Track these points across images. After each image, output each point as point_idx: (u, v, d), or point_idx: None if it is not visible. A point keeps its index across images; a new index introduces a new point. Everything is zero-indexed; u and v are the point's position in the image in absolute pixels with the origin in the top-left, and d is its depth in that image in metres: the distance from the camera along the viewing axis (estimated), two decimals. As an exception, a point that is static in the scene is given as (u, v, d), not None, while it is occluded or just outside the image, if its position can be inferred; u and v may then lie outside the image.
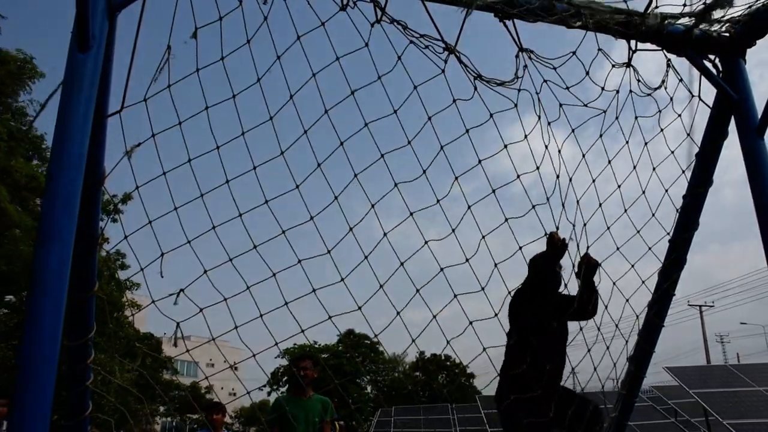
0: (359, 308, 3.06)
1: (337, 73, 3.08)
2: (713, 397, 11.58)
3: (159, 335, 34.13)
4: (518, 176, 3.44)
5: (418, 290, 3.00)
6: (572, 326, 4.38)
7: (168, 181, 2.92)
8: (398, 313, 2.99)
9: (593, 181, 3.59)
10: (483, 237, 3.04)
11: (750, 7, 3.45)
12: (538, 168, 3.49)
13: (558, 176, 3.64)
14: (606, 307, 4.05)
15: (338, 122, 3.10)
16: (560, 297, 4.48)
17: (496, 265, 3.16)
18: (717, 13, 3.46)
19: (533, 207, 3.40)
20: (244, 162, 3.01)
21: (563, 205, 3.74)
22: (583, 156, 3.74)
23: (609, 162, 3.76)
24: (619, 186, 3.72)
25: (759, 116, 3.55)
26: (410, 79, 3.05)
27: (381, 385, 51.59)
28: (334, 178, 3.08)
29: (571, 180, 3.65)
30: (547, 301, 4.38)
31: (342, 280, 2.98)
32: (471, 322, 3.18)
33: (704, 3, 3.36)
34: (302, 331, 3.00)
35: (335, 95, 3.08)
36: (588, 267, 4.24)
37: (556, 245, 4.08)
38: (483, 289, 3.07)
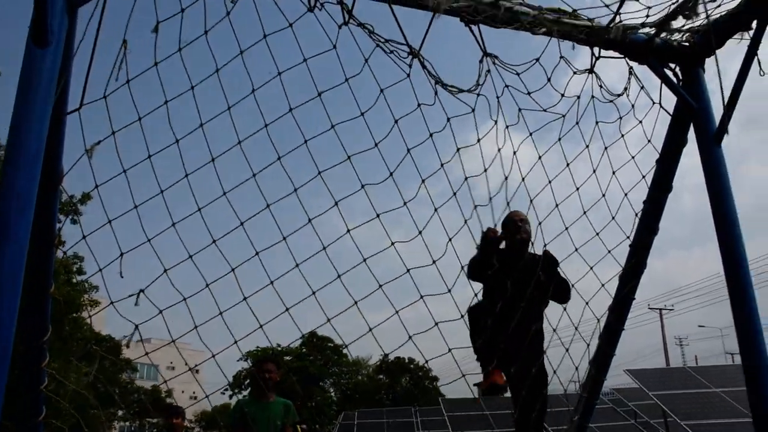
0: (329, 320, 3.06)
1: (312, 72, 3.07)
2: (672, 398, 11.82)
3: (119, 338, 33.50)
4: (477, 175, 3.47)
5: (380, 286, 3.00)
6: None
7: (129, 179, 2.87)
8: (393, 314, 2.98)
9: (549, 182, 3.64)
10: (449, 239, 3.05)
11: (708, 17, 3.54)
12: (485, 170, 3.53)
13: (523, 179, 3.68)
14: (565, 309, 4.11)
15: (305, 121, 3.08)
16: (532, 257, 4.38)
17: (462, 267, 3.17)
18: (677, 23, 3.53)
19: (475, 207, 3.44)
20: (204, 158, 2.96)
21: (508, 203, 3.80)
22: (540, 158, 3.79)
23: (567, 165, 3.81)
24: (577, 189, 3.78)
25: (717, 124, 3.64)
26: (377, 83, 3.04)
27: (344, 387, 51.42)
28: (299, 178, 3.05)
29: (522, 179, 3.70)
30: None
31: (313, 293, 2.96)
32: (437, 323, 3.20)
33: (666, 13, 3.41)
34: (261, 326, 2.96)
35: (304, 95, 3.06)
36: (547, 262, 4.23)
37: (484, 238, 4.09)
38: (450, 290, 3.08)
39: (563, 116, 3.81)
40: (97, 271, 2.85)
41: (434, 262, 2.97)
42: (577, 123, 3.82)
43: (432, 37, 3.15)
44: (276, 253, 3.06)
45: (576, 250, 3.86)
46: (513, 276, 3.96)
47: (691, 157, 3.79)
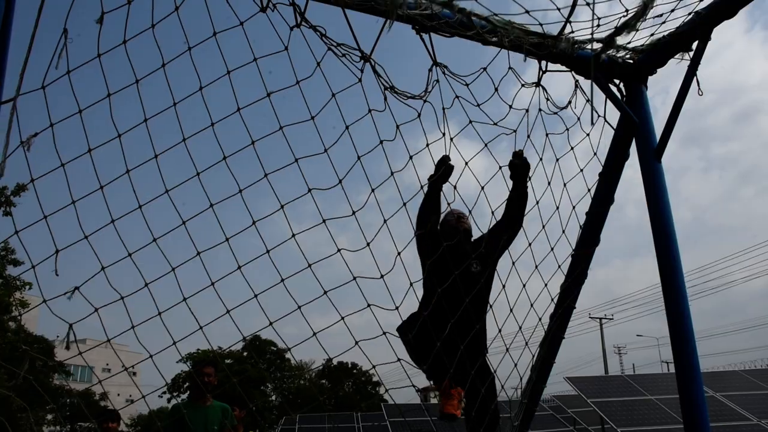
0: (271, 324, 3.00)
1: (265, 73, 3.03)
2: (610, 406, 12.14)
3: (52, 338, 32.32)
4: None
5: (325, 292, 2.96)
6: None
7: (67, 173, 2.76)
8: (345, 321, 2.94)
9: (482, 188, 3.67)
10: (398, 253, 3.04)
11: (652, 35, 3.65)
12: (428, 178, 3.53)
13: (482, 188, 3.71)
14: (494, 321, 4.13)
15: (254, 122, 3.03)
16: (475, 242, 4.34)
17: (411, 284, 3.17)
18: (622, 40, 3.63)
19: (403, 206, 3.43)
20: (147, 153, 2.88)
21: (470, 212, 3.84)
22: (500, 168, 3.83)
23: (500, 167, 3.86)
24: (537, 202, 3.81)
25: (658, 140, 3.75)
26: (329, 87, 3.02)
27: (286, 392, 50.90)
28: (246, 177, 3.00)
29: (482, 188, 3.74)
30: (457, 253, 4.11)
31: (255, 296, 2.90)
32: (384, 332, 3.18)
33: (611, 31, 3.50)
34: (200, 327, 2.89)
35: (256, 94, 3.02)
36: (519, 166, 4.15)
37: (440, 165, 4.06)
38: (397, 308, 3.07)
39: (514, 131, 3.87)
40: (29, 268, 2.73)
41: (382, 276, 2.96)
42: (528, 137, 3.89)
43: (386, 44, 3.16)
44: (219, 254, 3.00)
45: (513, 264, 3.90)
46: (458, 262, 3.89)
47: (636, 170, 3.89)
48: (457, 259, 3.97)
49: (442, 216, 4.30)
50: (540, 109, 3.85)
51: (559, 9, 3.16)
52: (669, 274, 3.62)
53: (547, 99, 3.83)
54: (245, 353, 46.71)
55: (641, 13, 3.26)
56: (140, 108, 2.81)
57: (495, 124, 3.71)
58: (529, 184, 4.08)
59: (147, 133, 2.84)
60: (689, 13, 3.44)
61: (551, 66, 3.72)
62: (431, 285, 3.90)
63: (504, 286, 3.77)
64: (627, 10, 3.28)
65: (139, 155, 2.87)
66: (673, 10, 3.37)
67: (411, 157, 3.36)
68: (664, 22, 3.48)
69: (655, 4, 3.23)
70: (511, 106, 3.80)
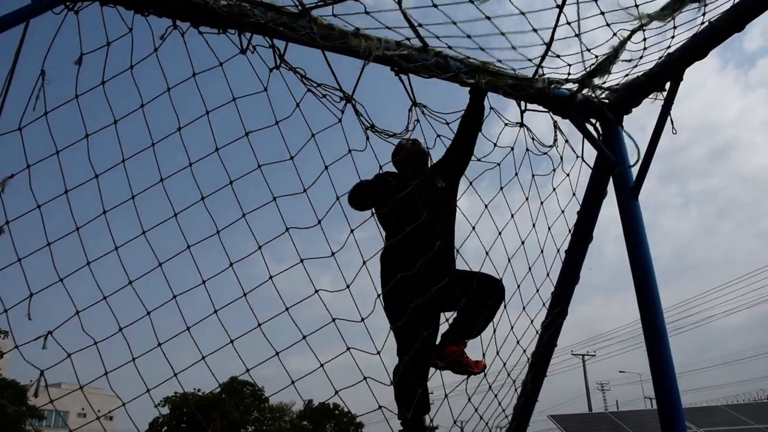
0: (248, 371, 2.97)
1: (245, 113, 3.04)
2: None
3: (26, 382, 31.50)
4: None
5: (304, 337, 2.91)
6: (455, 378, 3.96)
7: (43, 214, 2.72)
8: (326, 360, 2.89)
9: (473, 228, 3.65)
10: (378, 295, 3.03)
11: (627, 75, 3.73)
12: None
13: (473, 228, 3.71)
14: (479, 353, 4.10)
15: (233, 161, 3.02)
16: (437, 162, 4.19)
17: (391, 328, 3.13)
18: (597, 80, 3.70)
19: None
20: (124, 191, 2.86)
21: (458, 251, 3.81)
22: (487, 207, 3.83)
23: (485, 206, 3.84)
24: (522, 243, 3.79)
25: (634, 179, 3.80)
26: (308, 127, 3.03)
27: (266, 435, 49.88)
28: (224, 217, 2.98)
29: (473, 228, 3.74)
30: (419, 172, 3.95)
31: (231, 341, 2.85)
32: (365, 378, 3.09)
33: (586, 71, 3.58)
34: (175, 374, 2.82)
35: (235, 134, 3.02)
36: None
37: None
38: (379, 353, 3.03)
39: (498, 164, 3.88)
40: (2, 312, 2.67)
41: (363, 319, 2.93)
42: (516, 174, 3.89)
43: (368, 80, 3.19)
44: (197, 294, 2.96)
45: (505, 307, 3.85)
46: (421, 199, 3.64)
47: (615, 207, 3.90)
48: (420, 189, 3.70)
49: (397, 146, 4.07)
50: (527, 150, 3.89)
51: (531, 59, 3.19)
52: (648, 312, 3.63)
53: (533, 139, 3.88)
54: (223, 395, 45.84)
55: (612, 57, 3.34)
56: (118, 148, 2.80)
57: (479, 159, 3.75)
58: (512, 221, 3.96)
59: (125, 173, 2.81)
60: (660, 57, 3.52)
61: (530, 106, 3.78)
62: (397, 218, 3.65)
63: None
64: (597, 56, 3.34)
65: (116, 196, 2.84)
66: (641, 57, 3.45)
67: (395, 200, 3.37)
68: (636, 66, 3.56)
69: (626, 49, 3.30)
70: (495, 144, 3.84)
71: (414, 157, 4.06)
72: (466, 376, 3.71)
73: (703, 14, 3.13)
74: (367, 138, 3.26)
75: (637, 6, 2.88)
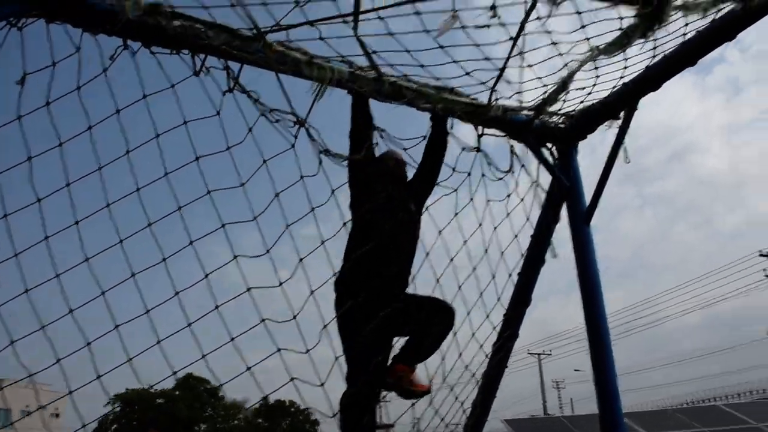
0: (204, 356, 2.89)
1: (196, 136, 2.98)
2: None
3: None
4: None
5: (249, 368, 2.87)
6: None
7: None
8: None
9: (426, 254, 3.65)
10: (325, 326, 3.00)
11: (582, 102, 3.77)
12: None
13: (427, 254, 3.70)
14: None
15: (182, 185, 2.96)
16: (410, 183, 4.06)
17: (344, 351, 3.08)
18: (554, 107, 3.73)
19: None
20: (68, 216, 2.77)
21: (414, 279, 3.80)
22: (440, 232, 3.83)
23: (439, 231, 3.85)
24: (474, 269, 3.80)
25: (587, 204, 3.85)
26: (260, 153, 2.98)
27: (220, 432, 49.32)
28: (171, 244, 2.91)
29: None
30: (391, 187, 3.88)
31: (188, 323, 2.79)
32: (322, 383, 3.10)
33: (541, 99, 3.60)
34: (129, 359, 2.74)
35: (187, 158, 2.96)
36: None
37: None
38: (322, 384, 3.00)
39: (455, 190, 3.88)
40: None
41: (308, 351, 2.92)
42: (471, 200, 3.90)
43: (325, 103, 3.15)
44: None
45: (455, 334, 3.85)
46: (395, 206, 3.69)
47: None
48: (391, 205, 3.74)
49: (383, 153, 3.96)
50: (483, 175, 3.89)
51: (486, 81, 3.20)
52: (595, 330, 3.74)
53: (489, 164, 3.89)
54: (177, 392, 45.16)
55: (561, 88, 3.37)
56: (63, 171, 2.70)
57: (437, 184, 3.74)
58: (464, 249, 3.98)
59: (69, 197, 2.72)
60: (614, 87, 3.56)
61: (488, 130, 3.79)
62: (365, 225, 3.66)
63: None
64: (546, 86, 3.37)
65: (61, 219, 2.75)
66: (594, 85, 3.49)
67: (344, 224, 3.35)
68: (590, 93, 3.60)
69: (575, 80, 3.33)
70: (454, 169, 3.84)
71: (393, 178, 3.96)
72: (412, 401, 3.68)
73: (654, 48, 3.17)
74: (320, 162, 3.22)
75: (588, 39, 2.91)
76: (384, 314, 3.40)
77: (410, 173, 4.00)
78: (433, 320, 3.67)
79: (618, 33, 2.77)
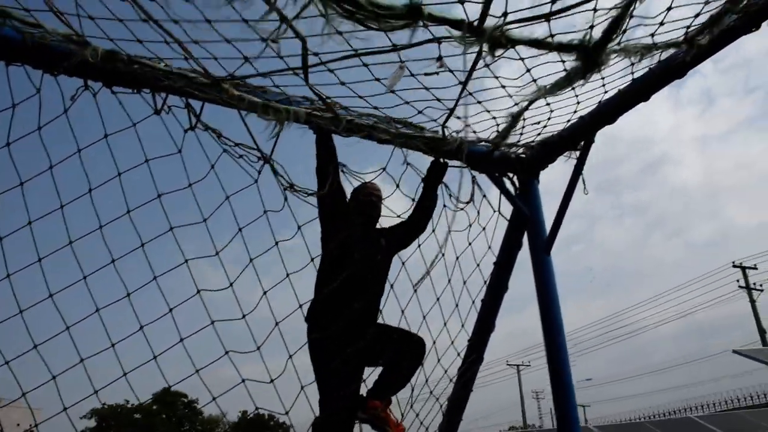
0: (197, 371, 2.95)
1: (161, 170, 3.03)
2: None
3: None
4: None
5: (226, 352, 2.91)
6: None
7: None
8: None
9: (391, 286, 3.71)
10: (290, 356, 3.04)
11: (539, 134, 3.86)
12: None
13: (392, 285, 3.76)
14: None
15: (144, 222, 3.00)
16: (390, 230, 4.10)
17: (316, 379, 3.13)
18: (512, 139, 3.82)
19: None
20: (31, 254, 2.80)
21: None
22: (404, 264, 3.90)
23: (402, 263, 3.92)
24: (415, 290, 3.85)
25: (548, 233, 3.93)
26: (222, 189, 3.04)
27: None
28: (134, 280, 2.95)
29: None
30: (363, 229, 3.94)
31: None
32: (287, 412, 3.24)
33: (497, 131, 3.69)
34: (95, 391, 2.78)
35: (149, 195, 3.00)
36: (436, 169, 3.96)
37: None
38: (287, 412, 3.06)
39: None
40: None
41: (272, 380, 2.96)
42: (433, 231, 3.99)
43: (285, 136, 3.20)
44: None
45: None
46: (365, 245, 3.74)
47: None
48: (363, 241, 3.81)
49: (360, 186, 4.02)
50: (444, 206, 3.97)
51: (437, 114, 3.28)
52: (555, 356, 3.80)
53: (450, 195, 3.97)
54: (155, 407, 44.65)
55: (512, 124, 3.46)
56: (25, 212, 2.74)
57: (398, 216, 3.82)
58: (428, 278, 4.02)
59: (31, 234, 2.75)
60: (568, 121, 3.67)
61: (450, 162, 3.86)
62: (334, 260, 3.71)
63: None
64: (496, 119, 3.46)
65: (23, 257, 2.79)
66: (549, 119, 3.58)
67: (312, 260, 3.41)
68: (545, 126, 3.70)
69: (525, 117, 3.42)
70: (413, 200, 3.91)
71: (371, 210, 3.97)
72: None
73: (603, 86, 3.28)
74: (286, 199, 3.28)
75: (535, 81, 3.00)
76: (354, 347, 3.48)
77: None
78: (404, 353, 3.75)
79: (563, 74, 2.85)
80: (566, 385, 3.75)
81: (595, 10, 2.32)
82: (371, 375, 3.80)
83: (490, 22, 2.29)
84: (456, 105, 3.04)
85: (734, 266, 30.58)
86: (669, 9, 2.54)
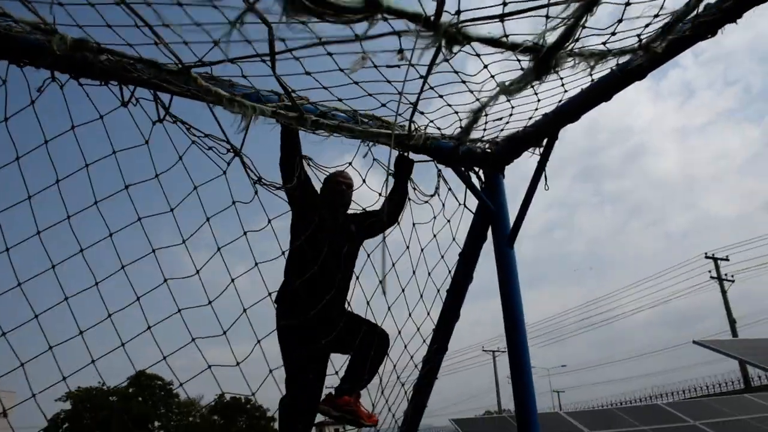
0: (164, 358, 3.05)
1: (130, 160, 3.08)
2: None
3: None
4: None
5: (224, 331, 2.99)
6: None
7: None
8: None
9: (357, 278, 3.81)
10: (270, 372, 3.11)
11: (502, 130, 3.95)
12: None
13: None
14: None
15: (112, 212, 3.05)
16: (361, 216, 4.24)
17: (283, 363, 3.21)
18: (476, 134, 3.90)
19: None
20: None
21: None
22: (369, 256, 3.99)
23: (368, 255, 3.99)
24: (380, 281, 3.92)
25: (511, 227, 4.03)
26: (191, 180, 3.09)
27: (174, 430, 48.78)
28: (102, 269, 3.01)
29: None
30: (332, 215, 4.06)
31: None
32: (271, 371, 3.34)
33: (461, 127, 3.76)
34: (64, 378, 2.84)
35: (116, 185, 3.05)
36: (403, 164, 4.10)
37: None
38: (238, 364, 3.12)
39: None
40: None
41: (238, 363, 3.04)
42: (398, 223, 4.11)
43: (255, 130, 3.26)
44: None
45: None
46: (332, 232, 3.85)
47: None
48: (332, 227, 3.94)
49: (331, 174, 4.14)
50: (409, 199, 4.06)
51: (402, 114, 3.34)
52: (516, 353, 3.91)
53: (414, 189, 4.06)
54: (131, 389, 44.55)
55: (474, 121, 3.54)
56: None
57: (364, 210, 3.89)
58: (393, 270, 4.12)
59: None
60: (530, 118, 3.75)
61: (415, 155, 3.94)
62: (299, 249, 3.82)
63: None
64: (458, 114, 3.53)
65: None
66: (511, 115, 3.67)
67: (283, 253, 3.47)
68: (507, 123, 3.78)
69: (486, 113, 3.49)
70: (380, 194, 4.00)
71: (340, 198, 4.10)
72: (358, 428, 3.89)
73: (563, 85, 3.37)
74: (256, 192, 3.34)
75: (493, 77, 3.07)
76: (319, 330, 3.60)
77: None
78: (370, 347, 3.88)
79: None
80: (525, 375, 3.88)
81: (547, 17, 2.40)
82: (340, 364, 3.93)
83: (446, 18, 2.37)
84: (418, 99, 3.10)
85: (707, 257, 31.12)
86: (619, 21, 2.62)
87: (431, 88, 3.03)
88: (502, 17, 2.36)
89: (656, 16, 2.64)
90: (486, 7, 2.36)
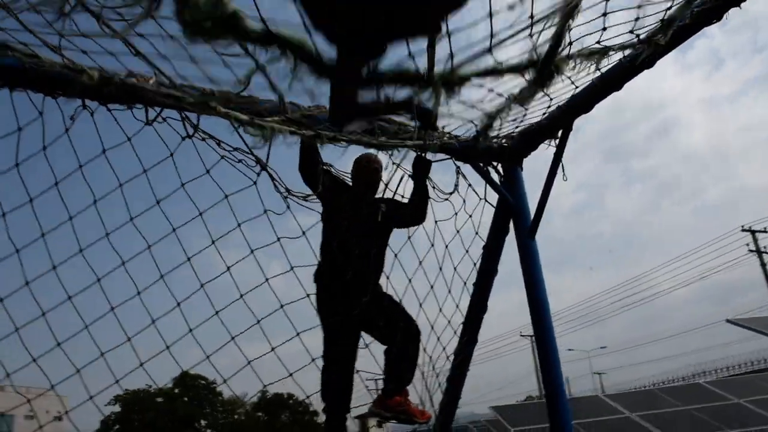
0: (207, 357, 3.26)
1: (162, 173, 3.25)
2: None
3: (-34, 387, 30.50)
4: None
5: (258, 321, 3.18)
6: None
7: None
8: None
9: (387, 278, 3.93)
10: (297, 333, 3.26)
11: (517, 128, 4.03)
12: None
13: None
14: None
15: (148, 224, 3.22)
16: (391, 203, 4.33)
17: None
18: (493, 131, 3.98)
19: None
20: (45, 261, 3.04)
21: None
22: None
23: (395, 255, 4.14)
24: (409, 280, 4.08)
25: (531, 219, 4.12)
26: (221, 189, 3.26)
27: (221, 428, 49.63)
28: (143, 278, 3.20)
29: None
30: (364, 201, 4.17)
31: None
32: (313, 359, 3.58)
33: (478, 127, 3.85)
34: (116, 381, 3.04)
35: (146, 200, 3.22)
36: (421, 165, 4.18)
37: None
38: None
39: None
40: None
41: (273, 349, 3.20)
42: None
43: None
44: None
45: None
46: (357, 214, 3.95)
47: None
48: (363, 206, 4.07)
49: (361, 155, 4.26)
50: (429, 198, 4.17)
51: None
52: (543, 342, 3.99)
53: (434, 187, 4.18)
54: (176, 390, 45.50)
55: (489, 125, 3.63)
56: (36, 224, 2.96)
57: (383, 212, 4.01)
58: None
59: (45, 247, 2.97)
60: (543, 113, 3.82)
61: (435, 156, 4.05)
62: (332, 228, 3.98)
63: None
64: (475, 124, 3.63)
65: (39, 265, 3.02)
66: (524, 116, 3.75)
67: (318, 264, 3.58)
68: (522, 122, 3.86)
69: (501, 117, 3.58)
70: (402, 196, 4.13)
71: (370, 177, 4.24)
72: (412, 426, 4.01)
73: (573, 83, 3.43)
74: (288, 206, 3.51)
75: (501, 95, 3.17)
76: (354, 304, 3.73)
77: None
78: (407, 344, 3.97)
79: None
80: (553, 362, 3.96)
81: (531, 35, 2.49)
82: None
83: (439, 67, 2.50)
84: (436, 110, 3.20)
85: (743, 230, 30.44)
86: (604, 29, 2.69)
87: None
88: (490, 49, 2.47)
89: (639, 7, 2.69)
90: (474, 44, 2.47)
